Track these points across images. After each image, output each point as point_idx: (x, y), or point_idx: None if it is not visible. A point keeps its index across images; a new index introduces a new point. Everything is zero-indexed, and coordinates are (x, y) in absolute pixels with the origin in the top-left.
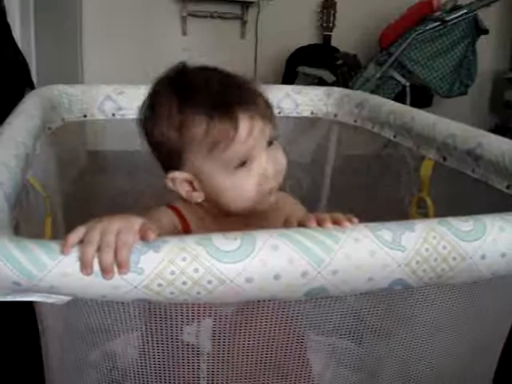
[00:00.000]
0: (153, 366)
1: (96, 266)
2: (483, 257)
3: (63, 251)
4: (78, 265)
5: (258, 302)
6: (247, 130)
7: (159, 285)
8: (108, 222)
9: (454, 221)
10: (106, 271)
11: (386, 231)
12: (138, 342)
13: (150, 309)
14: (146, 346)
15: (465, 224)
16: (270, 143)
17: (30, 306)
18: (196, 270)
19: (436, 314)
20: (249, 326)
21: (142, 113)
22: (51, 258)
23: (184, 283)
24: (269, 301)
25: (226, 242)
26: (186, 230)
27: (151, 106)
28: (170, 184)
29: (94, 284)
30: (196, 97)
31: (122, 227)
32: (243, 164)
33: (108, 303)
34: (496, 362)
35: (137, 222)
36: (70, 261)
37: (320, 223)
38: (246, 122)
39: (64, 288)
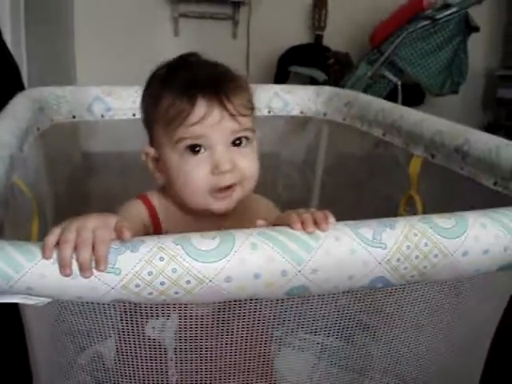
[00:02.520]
0: (123, 360)
1: (74, 267)
2: (465, 253)
3: (44, 256)
4: (55, 266)
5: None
6: (201, 114)
7: (137, 285)
8: (83, 220)
9: (435, 218)
10: (83, 269)
11: (367, 229)
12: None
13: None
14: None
15: (446, 221)
16: (236, 143)
17: (16, 308)
18: (174, 270)
19: (420, 312)
20: (221, 326)
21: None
22: (28, 260)
23: (162, 283)
24: (245, 301)
25: (204, 241)
26: (154, 222)
27: (147, 82)
28: (143, 158)
29: (71, 285)
30: (176, 77)
31: (98, 224)
32: (195, 150)
33: (87, 304)
34: (482, 363)
35: (112, 220)
36: (47, 262)
37: (304, 226)
38: (202, 107)
39: (41, 290)
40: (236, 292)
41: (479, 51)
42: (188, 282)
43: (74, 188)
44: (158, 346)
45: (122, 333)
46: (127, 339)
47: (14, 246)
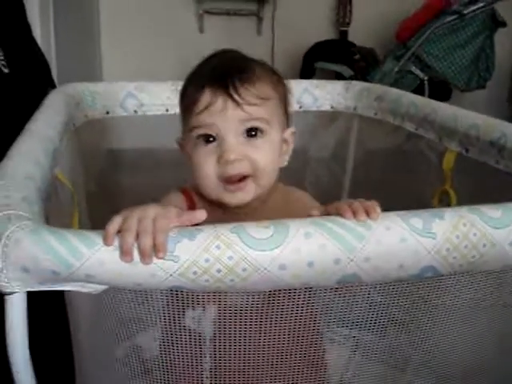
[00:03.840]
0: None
1: (134, 254)
2: None
3: (106, 243)
4: (115, 253)
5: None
6: (206, 102)
7: (194, 272)
8: (144, 209)
9: (483, 208)
10: (144, 255)
11: (417, 219)
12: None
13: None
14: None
15: (494, 211)
16: (252, 134)
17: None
18: (230, 258)
19: (463, 305)
20: (260, 315)
21: None
22: (88, 247)
23: (218, 271)
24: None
25: (260, 230)
26: None
27: None
28: (180, 148)
29: (131, 272)
30: (197, 71)
31: (158, 214)
32: (208, 140)
33: (140, 293)
34: None
35: (172, 210)
36: (106, 249)
37: (355, 215)
38: (208, 95)
39: (100, 277)
40: (290, 280)
41: (506, 47)
42: (244, 269)
43: (110, 184)
44: (195, 336)
45: (163, 323)
46: (168, 329)
47: (73, 233)
